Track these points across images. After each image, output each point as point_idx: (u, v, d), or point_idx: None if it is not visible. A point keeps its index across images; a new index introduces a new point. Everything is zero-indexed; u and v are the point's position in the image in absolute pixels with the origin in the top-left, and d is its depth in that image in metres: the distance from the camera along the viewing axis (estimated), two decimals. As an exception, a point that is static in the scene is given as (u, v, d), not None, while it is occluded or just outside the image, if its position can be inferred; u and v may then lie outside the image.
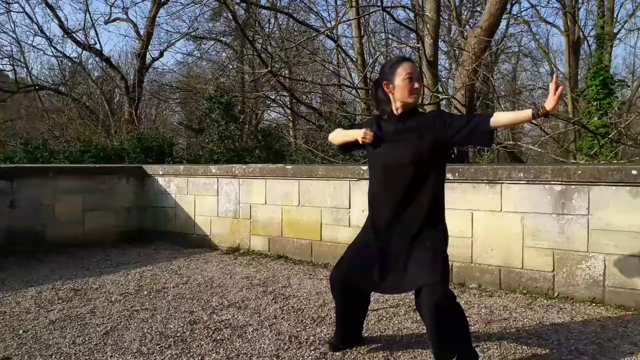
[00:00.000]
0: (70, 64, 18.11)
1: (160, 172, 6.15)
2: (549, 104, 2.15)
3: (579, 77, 16.21)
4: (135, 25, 18.61)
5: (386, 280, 2.39)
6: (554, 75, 2.13)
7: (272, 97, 15.47)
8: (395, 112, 2.45)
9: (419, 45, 9.36)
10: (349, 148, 2.77)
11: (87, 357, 2.58)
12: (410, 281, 2.30)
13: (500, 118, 2.26)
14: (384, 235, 2.42)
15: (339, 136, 2.70)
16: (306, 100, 14.41)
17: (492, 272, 3.92)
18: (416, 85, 2.40)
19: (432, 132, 2.34)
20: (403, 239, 2.36)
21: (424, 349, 2.64)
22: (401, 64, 2.43)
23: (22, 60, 17.88)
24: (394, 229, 2.40)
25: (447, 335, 2.24)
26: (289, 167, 5.17)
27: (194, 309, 3.37)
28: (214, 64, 17.32)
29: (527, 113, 2.22)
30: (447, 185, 4.09)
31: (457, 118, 2.47)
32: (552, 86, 2.15)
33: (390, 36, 15.31)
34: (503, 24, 15.46)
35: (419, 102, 2.46)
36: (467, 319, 3.11)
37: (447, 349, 2.27)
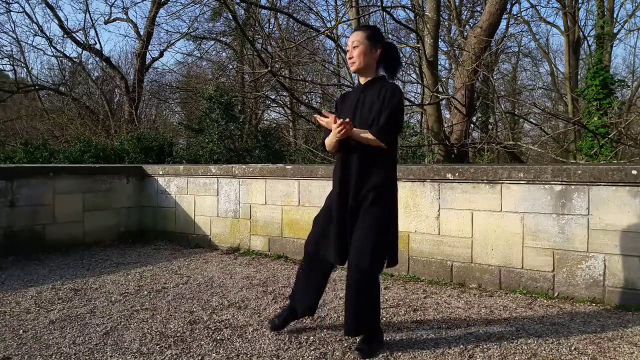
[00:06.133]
0: (70, 64, 18.16)
1: (160, 172, 6.15)
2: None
3: (579, 77, 16.22)
4: (135, 25, 18.73)
5: (339, 252, 2.62)
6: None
7: (272, 97, 15.49)
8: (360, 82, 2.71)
9: (419, 45, 9.37)
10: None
11: (87, 357, 2.58)
12: (350, 256, 2.55)
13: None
14: (340, 202, 2.59)
15: (329, 140, 2.66)
16: (306, 100, 14.42)
17: (492, 272, 3.92)
18: (348, 55, 2.65)
19: (378, 104, 2.55)
20: (354, 205, 2.55)
21: (423, 349, 2.64)
22: None
23: (22, 60, 17.94)
24: (346, 195, 2.58)
25: (360, 314, 2.55)
26: (289, 167, 5.17)
27: (194, 309, 3.37)
28: (214, 64, 17.35)
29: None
30: (447, 185, 4.12)
31: (384, 109, 2.53)
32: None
33: (390, 36, 15.30)
34: (503, 24, 15.48)
35: (357, 69, 2.63)
36: (467, 318, 3.13)
37: (357, 324, 2.57)
